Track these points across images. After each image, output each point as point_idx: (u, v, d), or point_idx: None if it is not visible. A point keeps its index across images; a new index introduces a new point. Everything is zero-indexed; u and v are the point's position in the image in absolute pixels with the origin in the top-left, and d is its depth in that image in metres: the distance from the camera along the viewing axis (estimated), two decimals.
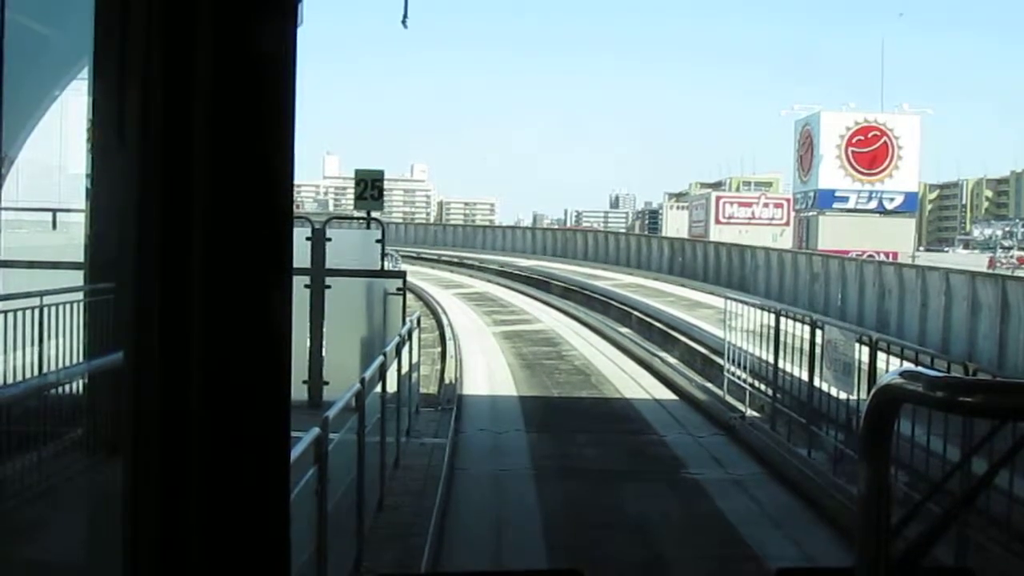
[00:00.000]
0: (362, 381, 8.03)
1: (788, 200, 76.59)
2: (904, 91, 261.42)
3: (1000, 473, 1.44)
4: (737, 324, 15.94)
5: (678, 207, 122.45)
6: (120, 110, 1.68)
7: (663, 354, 21.94)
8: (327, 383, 13.30)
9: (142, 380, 1.53)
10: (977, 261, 75.18)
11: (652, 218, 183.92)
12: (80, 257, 2.33)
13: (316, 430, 5.83)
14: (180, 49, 1.48)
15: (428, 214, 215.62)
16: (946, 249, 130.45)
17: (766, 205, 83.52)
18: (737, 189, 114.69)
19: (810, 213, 60.96)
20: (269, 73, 1.52)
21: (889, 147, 58.35)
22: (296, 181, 1.72)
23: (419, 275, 37.80)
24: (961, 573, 3.68)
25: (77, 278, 2.47)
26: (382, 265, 14.96)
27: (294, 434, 5.22)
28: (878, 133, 58.41)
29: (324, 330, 13.79)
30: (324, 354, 13.73)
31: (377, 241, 14.83)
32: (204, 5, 1.47)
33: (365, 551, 7.78)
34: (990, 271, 41.30)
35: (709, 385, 17.75)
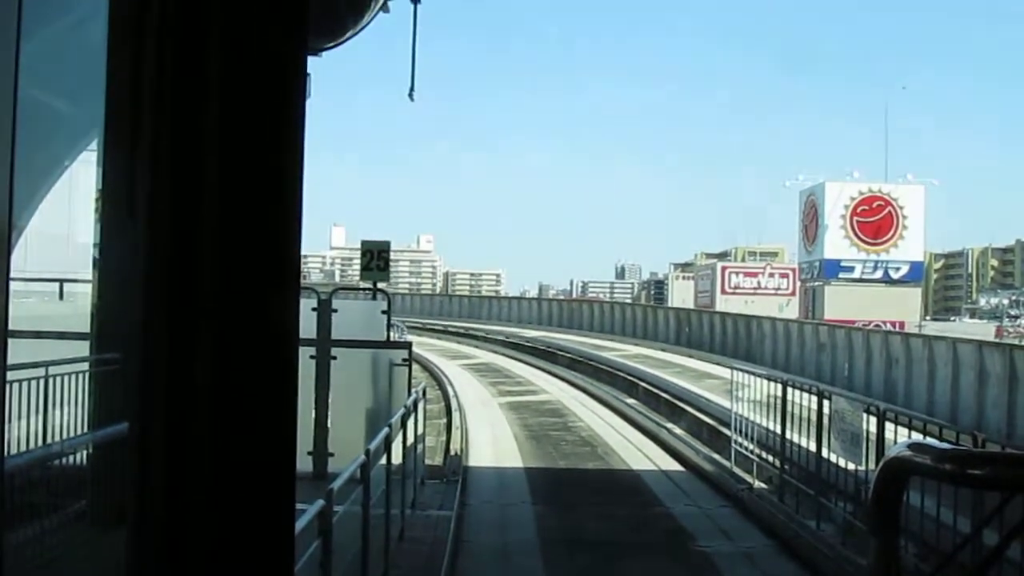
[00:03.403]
0: (367, 453, 7.99)
1: (794, 270, 76.70)
2: (908, 160, 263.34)
3: (1011, 545, 1.43)
4: (744, 395, 15.85)
5: (684, 277, 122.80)
6: (129, 182, 1.69)
7: (670, 425, 21.82)
8: (332, 454, 13.23)
9: (147, 451, 1.52)
10: (984, 330, 74.92)
11: (658, 288, 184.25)
12: (86, 327, 2.33)
13: (321, 502, 5.80)
14: (189, 123, 1.49)
15: (434, 285, 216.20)
16: (953, 318, 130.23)
17: (772, 275, 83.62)
18: (743, 259, 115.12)
19: (816, 283, 61.02)
20: (277, 146, 1.53)
21: (894, 217, 58.58)
22: (303, 252, 1.74)
23: (425, 346, 37.77)
24: None
25: (83, 348, 2.47)
26: (388, 336, 14.94)
27: (299, 506, 5.18)
28: (883, 203, 58.67)
29: (329, 401, 13.74)
30: (329, 425, 13.67)
31: (383, 312, 14.84)
32: (213, 81, 1.49)
33: None
34: (997, 340, 41.15)
35: (716, 456, 17.61)
